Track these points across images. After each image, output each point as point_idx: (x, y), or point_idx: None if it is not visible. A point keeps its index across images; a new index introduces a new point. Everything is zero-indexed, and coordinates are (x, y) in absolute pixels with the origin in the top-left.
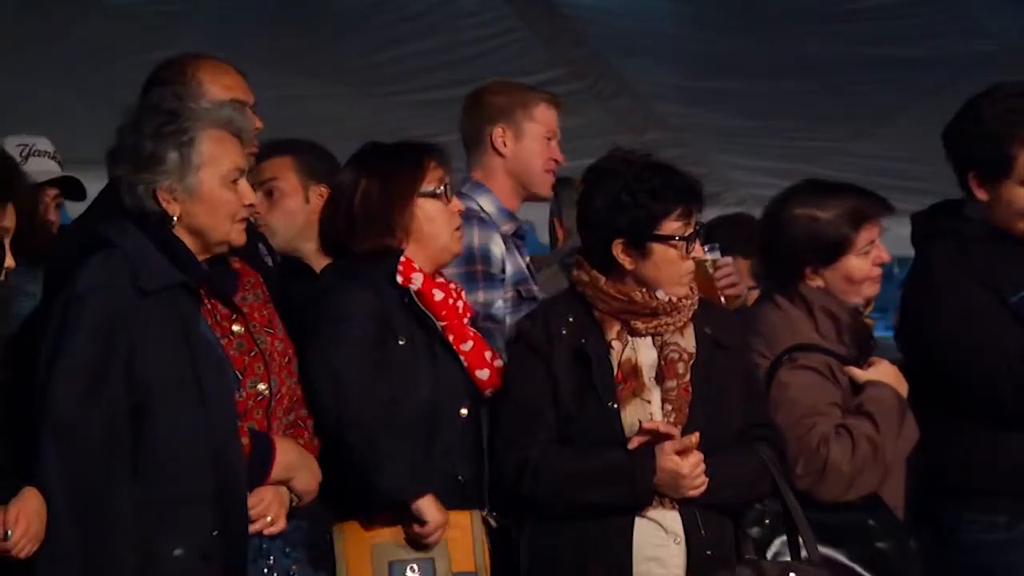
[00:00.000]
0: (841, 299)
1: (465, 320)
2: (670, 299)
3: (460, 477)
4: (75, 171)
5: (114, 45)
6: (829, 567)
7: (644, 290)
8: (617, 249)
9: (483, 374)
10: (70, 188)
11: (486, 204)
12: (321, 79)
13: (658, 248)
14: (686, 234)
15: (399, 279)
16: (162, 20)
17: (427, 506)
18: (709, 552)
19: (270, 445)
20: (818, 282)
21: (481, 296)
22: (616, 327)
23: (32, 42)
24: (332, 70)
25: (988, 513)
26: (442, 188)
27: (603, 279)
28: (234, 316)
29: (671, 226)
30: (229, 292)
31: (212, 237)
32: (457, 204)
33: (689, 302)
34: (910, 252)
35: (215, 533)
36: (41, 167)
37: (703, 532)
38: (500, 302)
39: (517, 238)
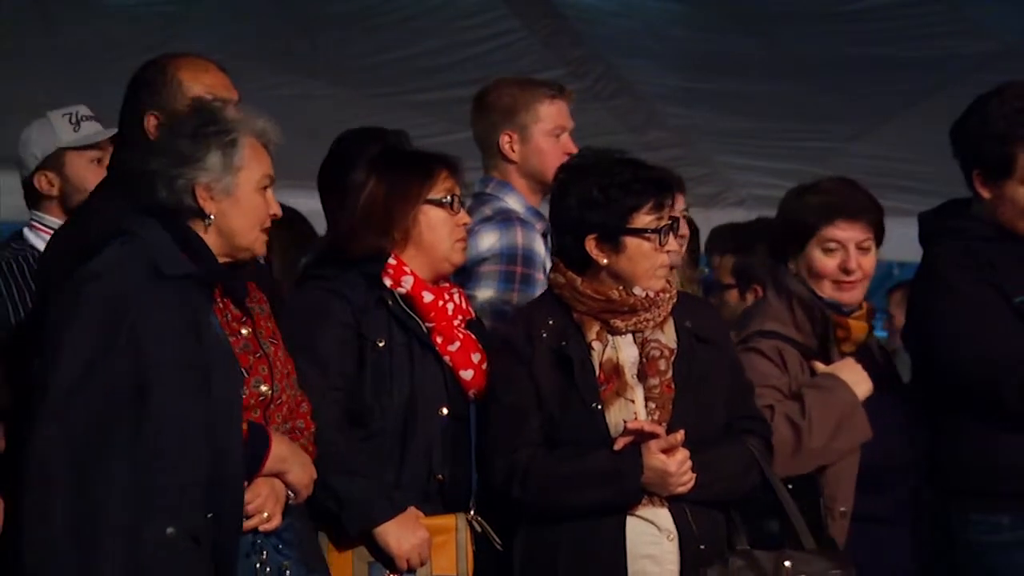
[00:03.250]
0: (814, 294)
1: (456, 321)
2: (647, 294)
3: (440, 476)
4: None
5: (114, 45)
6: (825, 555)
7: (621, 288)
8: (590, 245)
9: (467, 374)
10: None
11: (514, 204)
12: (321, 80)
13: (631, 242)
14: (659, 227)
15: (387, 281)
16: (162, 20)
17: (390, 532)
18: (702, 547)
19: (266, 436)
20: (795, 270)
21: (515, 297)
22: (596, 327)
23: (32, 42)
24: (332, 71)
25: (992, 514)
26: (450, 198)
27: (579, 280)
28: (244, 319)
29: (643, 219)
30: (242, 295)
31: (239, 241)
32: (464, 217)
33: (667, 295)
34: (909, 255)
35: (208, 516)
36: (92, 129)
37: (694, 527)
38: None
39: (544, 235)
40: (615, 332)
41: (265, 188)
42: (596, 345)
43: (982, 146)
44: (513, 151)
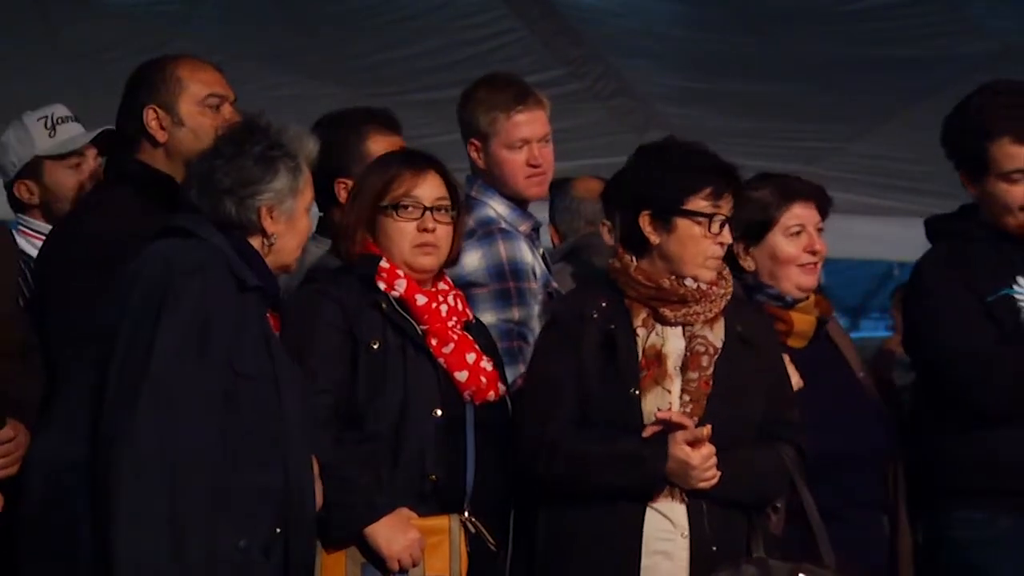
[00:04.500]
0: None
1: (451, 323)
2: (699, 286)
3: (434, 476)
4: None
5: (114, 45)
6: (843, 571)
7: (673, 278)
8: (644, 221)
9: (461, 376)
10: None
11: (499, 207)
12: (321, 80)
13: (683, 223)
14: (713, 214)
15: (381, 285)
16: (162, 20)
17: (380, 533)
18: (715, 548)
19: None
20: (749, 263)
21: (516, 314)
22: (643, 313)
23: (32, 42)
24: (332, 71)
25: (970, 511)
26: (405, 202)
27: (634, 265)
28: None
29: (699, 203)
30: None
31: (284, 259)
32: (427, 222)
33: (721, 291)
34: (909, 255)
35: (278, 531)
36: (71, 132)
37: (708, 527)
38: (536, 320)
39: (534, 232)
40: (664, 322)
41: (309, 210)
42: (640, 331)
43: (963, 144)
44: (480, 159)
